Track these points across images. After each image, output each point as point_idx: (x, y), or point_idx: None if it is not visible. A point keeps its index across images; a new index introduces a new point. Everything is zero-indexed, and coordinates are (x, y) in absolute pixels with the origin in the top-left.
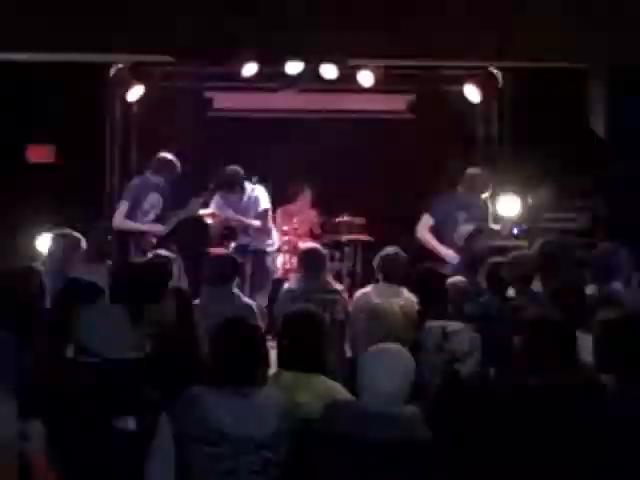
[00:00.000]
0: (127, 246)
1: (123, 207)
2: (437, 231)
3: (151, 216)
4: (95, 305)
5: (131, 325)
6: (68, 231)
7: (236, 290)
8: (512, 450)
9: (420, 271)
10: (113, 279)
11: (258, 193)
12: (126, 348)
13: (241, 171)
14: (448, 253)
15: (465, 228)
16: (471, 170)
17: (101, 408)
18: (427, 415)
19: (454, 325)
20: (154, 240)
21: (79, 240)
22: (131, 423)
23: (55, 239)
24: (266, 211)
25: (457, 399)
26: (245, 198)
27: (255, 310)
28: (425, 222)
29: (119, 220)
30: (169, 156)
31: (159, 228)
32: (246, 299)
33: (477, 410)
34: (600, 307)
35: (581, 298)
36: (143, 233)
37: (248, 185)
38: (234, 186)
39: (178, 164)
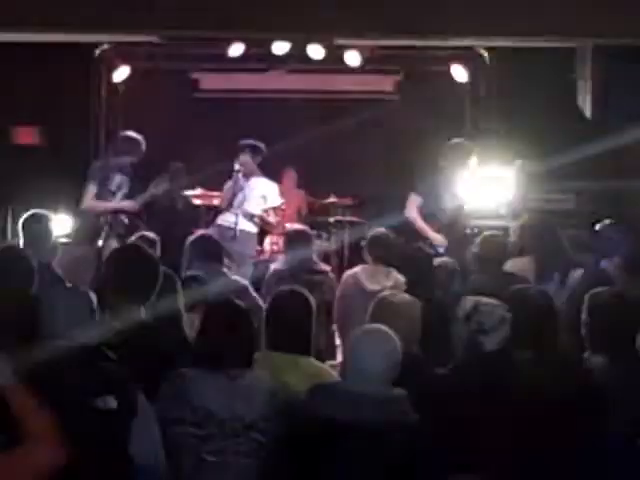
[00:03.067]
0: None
1: (91, 189)
2: (423, 208)
3: (118, 197)
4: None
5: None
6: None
7: (224, 269)
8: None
9: (405, 252)
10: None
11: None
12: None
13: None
14: (435, 237)
15: (451, 207)
16: (452, 140)
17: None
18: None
19: (487, 300)
20: (126, 220)
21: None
22: (111, 402)
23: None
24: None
25: (476, 372)
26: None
27: (251, 291)
28: (412, 201)
29: (89, 202)
30: (133, 135)
31: (131, 204)
32: (235, 277)
33: (493, 386)
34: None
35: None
36: (116, 214)
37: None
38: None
39: (142, 142)
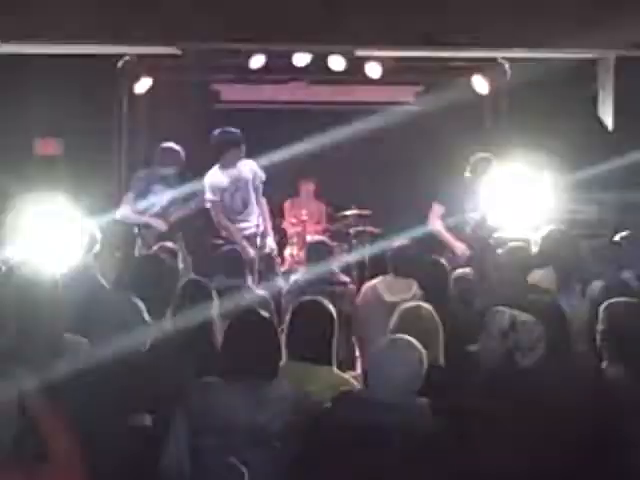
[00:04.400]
0: (133, 238)
1: (129, 198)
2: (446, 219)
3: (157, 208)
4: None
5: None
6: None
7: (250, 282)
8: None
9: (422, 264)
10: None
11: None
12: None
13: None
14: (459, 247)
15: (474, 218)
16: (478, 154)
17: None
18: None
19: (523, 316)
20: (157, 232)
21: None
22: (147, 419)
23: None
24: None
25: (509, 387)
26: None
27: (270, 302)
28: (436, 211)
29: (124, 212)
30: (173, 146)
31: (161, 225)
32: (260, 291)
33: (525, 402)
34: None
35: None
36: (149, 226)
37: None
38: None
39: (182, 153)
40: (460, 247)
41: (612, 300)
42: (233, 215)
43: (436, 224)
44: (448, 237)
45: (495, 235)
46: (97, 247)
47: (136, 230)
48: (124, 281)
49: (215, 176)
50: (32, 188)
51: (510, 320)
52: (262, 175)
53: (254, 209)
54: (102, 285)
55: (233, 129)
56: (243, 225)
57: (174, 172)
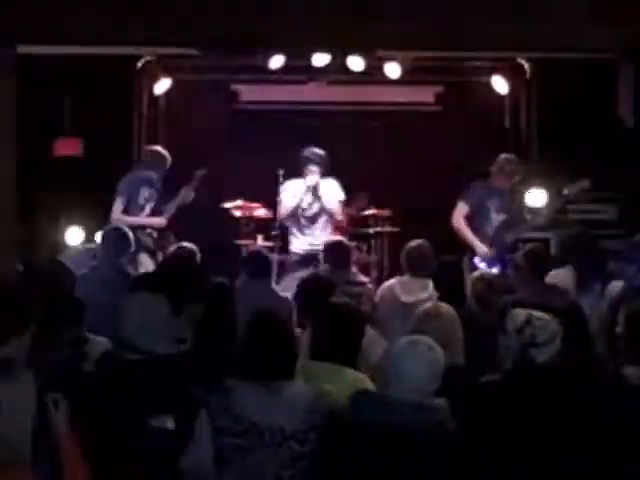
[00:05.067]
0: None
1: (119, 203)
2: (470, 219)
3: (147, 210)
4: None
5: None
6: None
7: (273, 284)
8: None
9: (438, 264)
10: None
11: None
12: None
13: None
14: (479, 246)
15: (497, 219)
16: (503, 155)
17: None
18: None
19: (539, 313)
20: (155, 234)
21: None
22: (169, 422)
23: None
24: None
25: (525, 384)
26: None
27: (292, 304)
28: (460, 209)
29: (117, 216)
30: (159, 149)
31: (159, 221)
32: (282, 293)
33: (544, 399)
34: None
35: None
36: (144, 227)
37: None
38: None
39: (168, 157)
40: (481, 247)
41: (631, 301)
42: (298, 227)
43: (459, 222)
44: (470, 236)
45: (516, 235)
46: (131, 248)
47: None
48: (152, 281)
49: (293, 186)
50: (52, 189)
51: (526, 317)
52: (339, 195)
53: (319, 227)
54: (129, 284)
55: (319, 151)
56: (307, 239)
57: (160, 175)
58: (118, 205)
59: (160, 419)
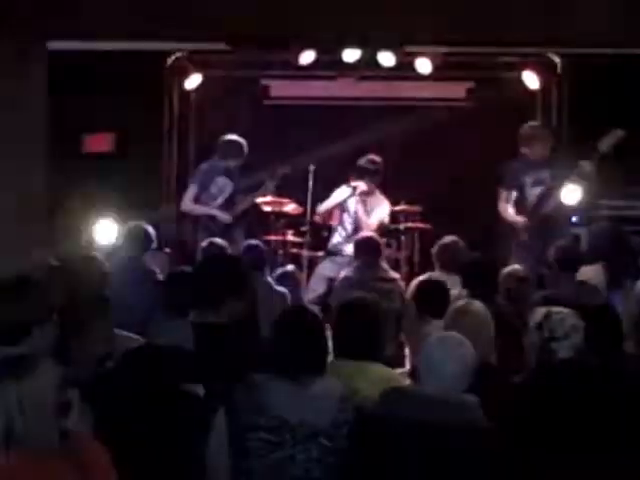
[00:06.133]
0: (196, 230)
1: (191, 191)
2: (508, 197)
3: (219, 200)
4: None
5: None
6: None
7: (269, 278)
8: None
9: (468, 260)
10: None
11: None
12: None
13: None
14: (519, 220)
15: (532, 193)
16: (525, 125)
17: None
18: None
19: (559, 308)
20: (222, 224)
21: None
22: (200, 389)
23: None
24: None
25: (550, 380)
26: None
27: (288, 298)
28: (503, 197)
29: (187, 204)
30: (236, 138)
31: (225, 216)
32: (279, 287)
33: (569, 393)
34: None
35: None
36: (213, 217)
37: None
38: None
39: (245, 146)
40: (520, 221)
41: None
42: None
43: (501, 206)
44: (509, 213)
45: (557, 207)
46: (153, 244)
47: (201, 221)
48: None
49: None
50: (82, 186)
51: (544, 312)
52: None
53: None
54: (157, 280)
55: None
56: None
57: (237, 164)
58: (190, 193)
59: (192, 386)
